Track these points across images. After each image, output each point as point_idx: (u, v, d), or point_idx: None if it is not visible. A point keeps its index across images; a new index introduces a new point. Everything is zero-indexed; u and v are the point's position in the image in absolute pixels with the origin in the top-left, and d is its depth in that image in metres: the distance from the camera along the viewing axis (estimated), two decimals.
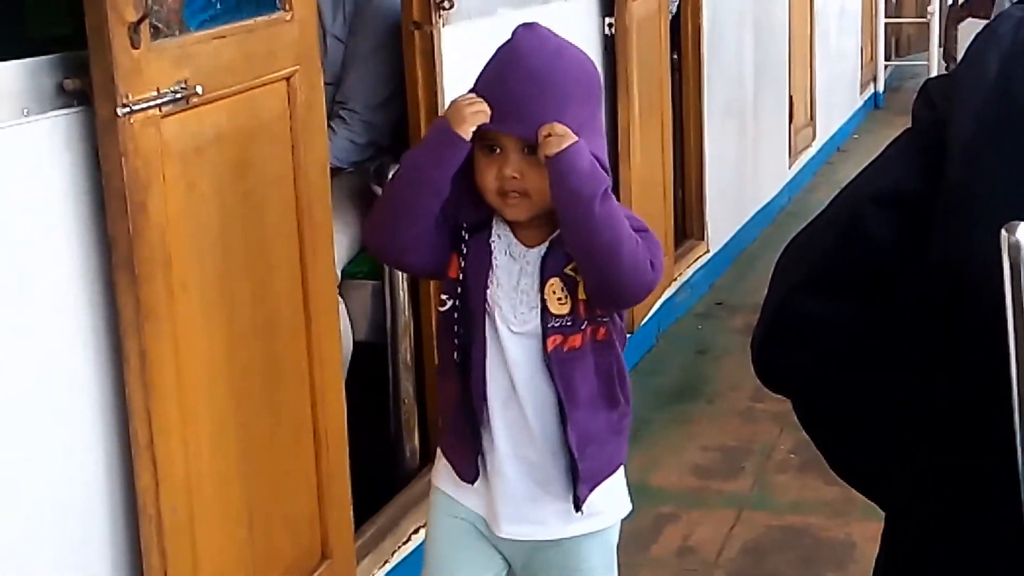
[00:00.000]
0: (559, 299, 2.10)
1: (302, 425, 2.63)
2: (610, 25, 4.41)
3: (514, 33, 2.08)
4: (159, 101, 2.12)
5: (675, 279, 5.18)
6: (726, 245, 6.04)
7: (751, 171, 6.55)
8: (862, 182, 2.12)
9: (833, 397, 2.09)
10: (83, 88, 2.06)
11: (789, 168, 7.36)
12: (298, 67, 2.55)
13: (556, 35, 2.11)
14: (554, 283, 2.10)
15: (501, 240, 2.14)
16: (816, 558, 3.37)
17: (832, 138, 8.61)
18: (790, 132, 7.29)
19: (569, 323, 2.10)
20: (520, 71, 2.05)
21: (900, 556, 2.29)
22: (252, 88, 2.42)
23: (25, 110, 1.98)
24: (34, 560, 2.03)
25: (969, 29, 8.42)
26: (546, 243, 2.12)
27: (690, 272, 5.46)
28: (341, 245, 3.08)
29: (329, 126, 2.97)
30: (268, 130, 2.48)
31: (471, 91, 2.08)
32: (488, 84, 2.08)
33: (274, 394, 2.52)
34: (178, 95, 2.16)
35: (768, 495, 3.78)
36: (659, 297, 4.91)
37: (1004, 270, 1.86)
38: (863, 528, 3.45)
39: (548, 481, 2.18)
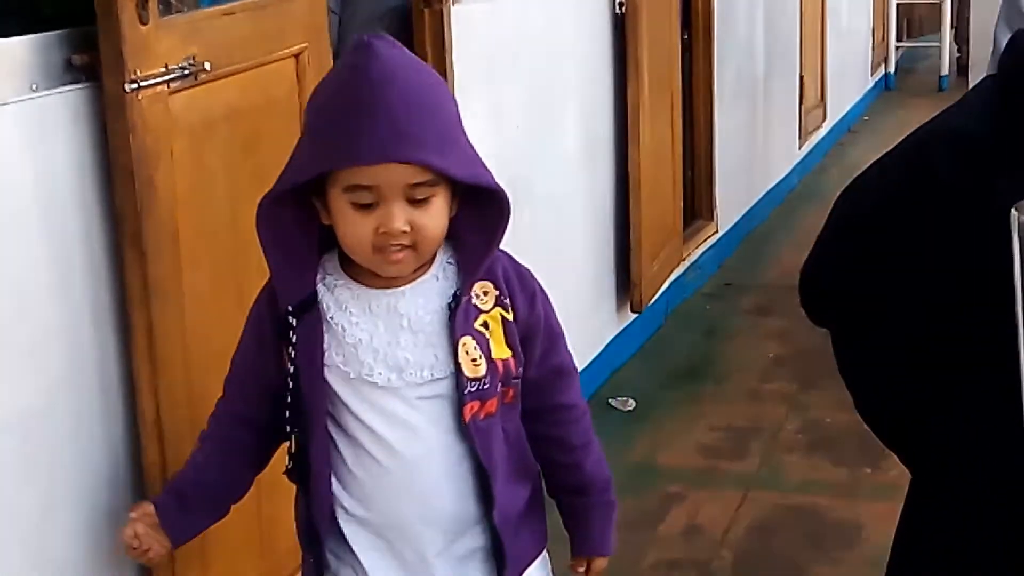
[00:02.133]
0: (473, 360, 1.80)
1: None
2: (620, 4, 4.40)
3: (367, 46, 1.69)
4: (167, 77, 2.12)
5: (683, 259, 5.17)
6: (735, 225, 6.03)
7: (761, 151, 6.53)
8: (934, 124, 2.14)
9: (872, 329, 2.11)
10: (91, 63, 2.06)
11: (799, 149, 7.33)
12: (307, 44, 2.54)
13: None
14: (466, 342, 1.80)
15: (340, 288, 1.81)
16: (823, 538, 3.36)
17: (843, 119, 8.58)
18: (800, 113, 7.26)
19: (487, 386, 1.81)
20: (395, 88, 1.67)
21: (920, 514, 2.31)
22: (261, 65, 2.41)
23: (34, 85, 1.98)
24: (44, 534, 2.04)
25: (982, 10, 8.37)
26: (419, 280, 1.81)
27: (699, 252, 5.45)
28: None
29: None
30: (277, 107, 2.48)
31: (309, 126, 1.75)
32: (345, 111, 1.67)
33: None
34: (186, 71, 2.16)
35: (775, 475, 3.78)
36: (668, 277, 4.91)
37: (1014, 249, 1.87)
38: (871, 509, 3.44)
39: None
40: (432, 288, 1.81)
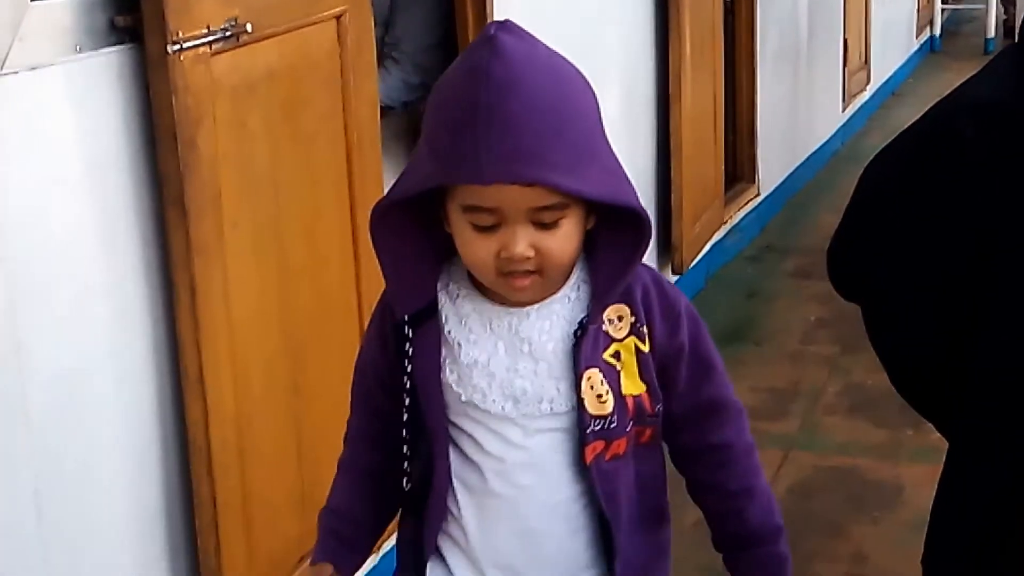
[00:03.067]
0: (599, 396, 1.58)
1: (351, 361, 2.64)
2: None
3: (490, 41, 1.45)
4: (209, 38, 2.13)
5: (725, 222, 5.16)
6: (777, 189, 6.00)
7: (804, 115, 6.48)
8: (959, 92, 2.13)
9: (900, 300, 2.11)
10: (134, 25, 2.08)
11: (842, 112, 7.28)
12: (348, 6, 2.55)
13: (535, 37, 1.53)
14: (592, 376, 1.58)
15: (462, 300, 1.62)
16: (863, 499, 3.36)
17: (887, 82, 8.51)
18: (844, 76, 7.21)
19: (613, 424, 1.59)
20: (518, 93, 1.43)
21: (958, 478, 2.31)
22: (302, 26, 2.42)
23: (78, 46, 2.00)
24: (88, 490, 2.07)
25: None
26: (547, 301, 1.59)
27: (740, 215, 5.43)
28: (390, 183, 3.09)
29: (381, 66, 2.97)
30: (318, 68, 2.49)
31: (426, 130, 1.51)
32: (462, 120, 1.44)
33: (323, 330, 2.54)
34: (228, 32, 2.18)
35: (816, 436, 3.77)
36: (709, 239, 4.90)
37: None
38: (911, 471, 3.44)
39: None
40: (560, 311, 1.59)
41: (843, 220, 2.25)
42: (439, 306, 1.61)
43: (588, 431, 1.58)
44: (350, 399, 1.73)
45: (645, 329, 1.59)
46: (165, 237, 2.14)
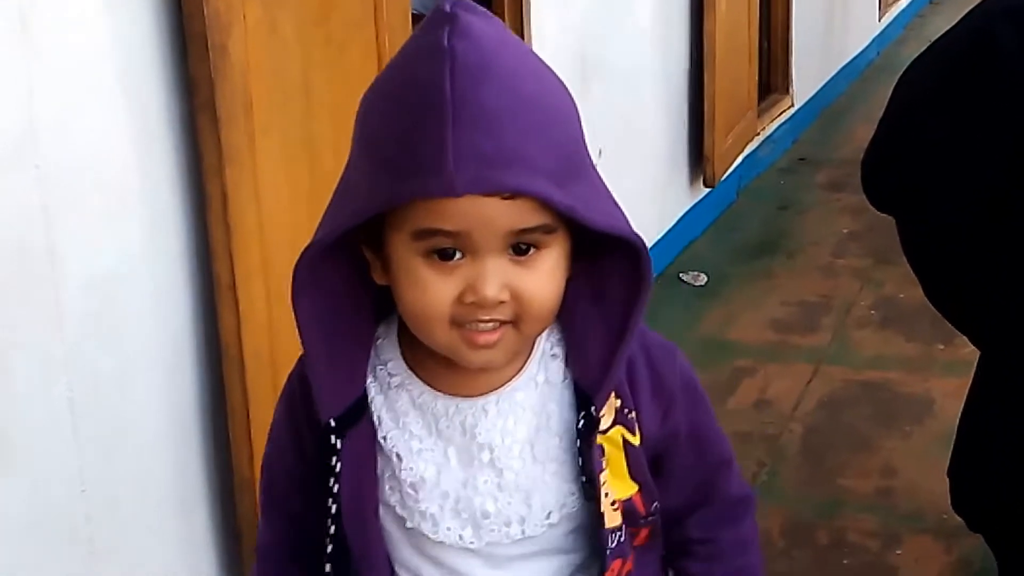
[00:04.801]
0: (612, 504, 1.25)
1: None
2: None
3: (451, 19, 1.09)
4: None
5: (758, 134, 5.11)
6: (811, 99, 5.94)
7: (839, 24, 6.40)
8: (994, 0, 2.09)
9: (937, 211, 2.10)
10: None
11: (878, 21, 7.18)
12: None
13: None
14: (606, 480, 1.24)
15: (396, 390, 1.24)
16: (893, 413, 3.36)
17: None
18: None
19: (623, 538, 1.27)
20: (493, 81, 1.08)
21: (988, 390, 2.31)
22: None
23: None
24: (122, 397, 2.08)
25: None
26: (508, 387, 1.23)
27: (773, 127, 5.38)
28: None
29: None
30: None
31: (362, 139, 1.14)
32: (418, 115, 1.08)
33: None
34: None
35: (847, 350, 3.76)
36: (741, 151, 4.86)
37: None
38: (942, 385, 3.43)
39: None
40: (526, 402, 1.23)
41: (878, 131, 2.22)
42: (369, 400, 1.23)
43: (608, 551, 1.25)
44: (259, 500, 1.37)
45: (634, 415, 1.25)
46: (196, 144, 2.13)
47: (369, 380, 1.24)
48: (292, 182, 2.31)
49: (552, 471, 1.23)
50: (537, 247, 1.14)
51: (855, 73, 6.63)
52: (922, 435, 3.23)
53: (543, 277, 1.15)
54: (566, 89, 1.16)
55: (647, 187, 4.19)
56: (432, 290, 1.13)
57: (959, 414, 2.56)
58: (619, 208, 1.17)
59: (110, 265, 2.04)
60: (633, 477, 1.26)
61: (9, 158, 1.85)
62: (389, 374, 1.24)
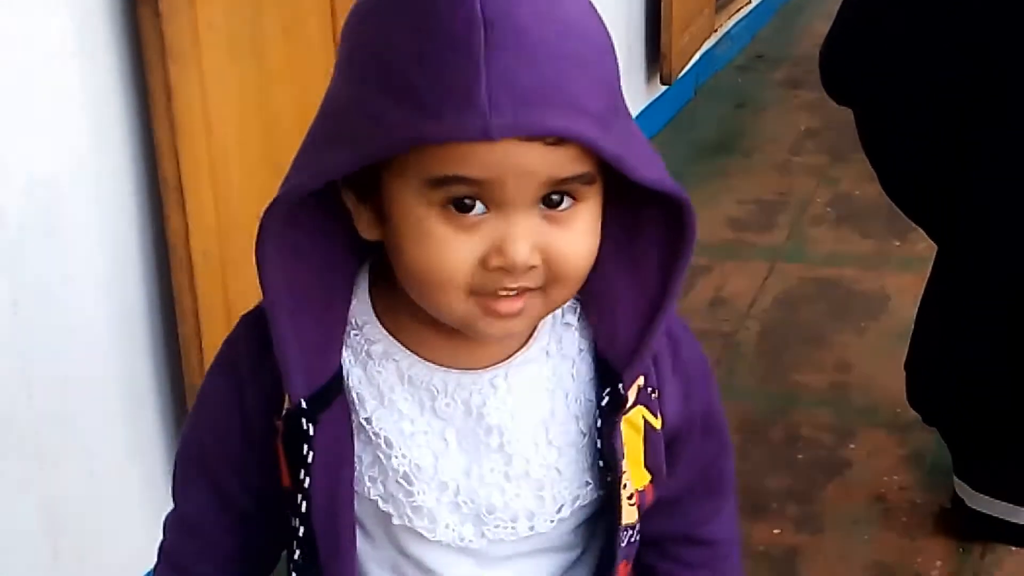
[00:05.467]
0: (630, 498, 1.10)
1: None
2: None
3: None
4: None
5: (715, 31, 5.06)
6: None
7: None
8: None
9: (895, 100, 2.08)
10: None
11: None
12: None
13: None
14: (627, 470, 1.09)
15: (379, 362, 1.05)
16: (849, 309, 3.37)
17: None
18: None
19: (635, 538, 1.13)
20: (529, 5, 0.90)
21: (945, 285, 2.32)
22: None
23: None
24: (71, 299, 2.05)
25: None
26: (519, 357, 1.06)
27: (731, 23, 5.33)
28: None
29: None
30: None
31: (356, 61, 0.95)
32: (434, 38, 0.89)
33: (303, 137, 2.49)
34: None
35: (803, 248, 3.76)
36: (698, 48, 4.81)
37: None
38: (897, 281, 3.44)
39: None
40: (538, 376, 1.06)
41: (836, 21, 2.20)
42: (344, 374, 1.04)
43: (618, 549, 1.10)
44: (173, 488, 1.16)
45: (656, 395, 1.10)
46: (138, 39, 2.08)
47: (345, 352, 1.04)
48: (239, 78, 2.26)
49: (569, 458, 1.06)
50: (574, 199, 0.96)
51: None
52: (877, 331, 3.24)
53: (579, 236, 0.97)
54: (597, 13, 0.97)
55: None
56: (449, 251, 0.94)
57: (914, 310, 2.56)
58: (658, 156, 1.01)
59: (52, 165, 1.99)
60: (647, 465, 1.11)
61: None
62: (367, 340, 1.04)
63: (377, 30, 0.93)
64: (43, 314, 1.99)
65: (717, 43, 5.17)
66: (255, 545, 1.14)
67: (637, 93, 4.48)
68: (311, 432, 1.02)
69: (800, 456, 2.79)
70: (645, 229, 1.03)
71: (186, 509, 1.15)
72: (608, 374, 1.05)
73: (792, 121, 4.68)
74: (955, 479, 2.45)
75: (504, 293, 0.96)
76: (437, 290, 0.96)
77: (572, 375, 1.06)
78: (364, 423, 1.04)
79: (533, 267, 0.95)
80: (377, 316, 1.05)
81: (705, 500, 1.20)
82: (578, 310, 1.08)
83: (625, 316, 1.05)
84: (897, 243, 3.66)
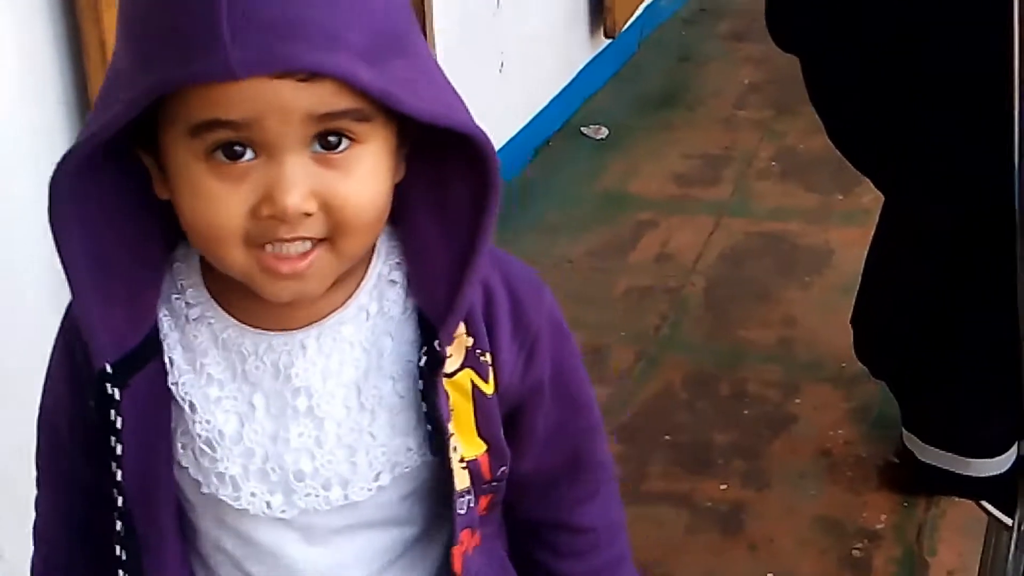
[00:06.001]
0: (460, 462, 1.04)
1: None
2: None
3: None
4: None
5: None
6: None
7: None
8: None
9: (841, 45, 2.06)
10: None
11: None
12: None
13: None
14: (454, 430, 1.03)
15: (195, 325, 1.02)
16: (794, 264, 3.37)
17: None
18: None
19: (472, 503, 1.06)
20: None
21: (891, 237, 2.31)
22: None
23: None
24: (3, 252, 2.00)
25: None
26: (335, 316, 1.02)
27: None
28: None
29: None
30: None
31: (125, 20, 0.93)
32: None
33: None
34: None
35: (747, 202, 3.75)
36: (641, 2, 4.78)
37: None
38: (841, 235, 3.44)
39: None
40: (355, 336, 1.02)
41: None
42: (161, 337, 1.01)
43: (457, 517, 1.04)
44: (36, 467, 1.14)
45: (488, 358, 1.04)
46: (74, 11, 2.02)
47: (162, 313, 1.01)
48: None
49: (383, 421, 1.02)
50: (351, 139, 0.92)
51: None
52: (822, 286, 3.25)
53: (360, 179, 0.93)
54: None
55: (547, 38, 4.11)
56: (218, 202, 0.91)
57: (859, 264, 2.56)
58: (458, 97, 0.96)
59: None
60: (481, 434, 1.05)
61: None
62: (187, 304, 1.01)
63: None
64: None
65: None
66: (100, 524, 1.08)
67: (581, 47, 4.45)
68: (117, 396, 0.99)
69: (746, 412, 2.79)
70: (454, 176, 0.99)
71: (41, 519, 1.15)
72: (429, 332, 1.01)
73: (736, 75, 4.66)
74: (904, 432, 2.46)
75: (285, 247, 0.92)
76: (214, 245, 0.93)
77: (391, 334, 1.02)
78: (172, 387, 1.01)
79: (309, 214, 0.92)
80: (204, 279, 1.02)
81: (574, 484, 1.15)
82: (405, 268, 1.03)
83: (439, 271, 1.00)
84: (841, 197, 3.66)
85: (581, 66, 4.43)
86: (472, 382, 1.04)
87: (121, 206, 0.98)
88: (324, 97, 0.89)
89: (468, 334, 1.03)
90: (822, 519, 2.46)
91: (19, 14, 1.98)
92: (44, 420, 1.11)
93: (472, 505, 1.05)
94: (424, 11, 3.14)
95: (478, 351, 1.04)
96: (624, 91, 4.58)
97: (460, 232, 0.99)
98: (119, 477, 1.01)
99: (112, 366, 0.98)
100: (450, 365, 1.02)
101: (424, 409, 1.01)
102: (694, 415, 2.78)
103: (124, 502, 1.02)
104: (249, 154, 0.90)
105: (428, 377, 1.00)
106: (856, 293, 2.52)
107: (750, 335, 3.07)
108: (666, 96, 4.54)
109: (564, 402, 1.11)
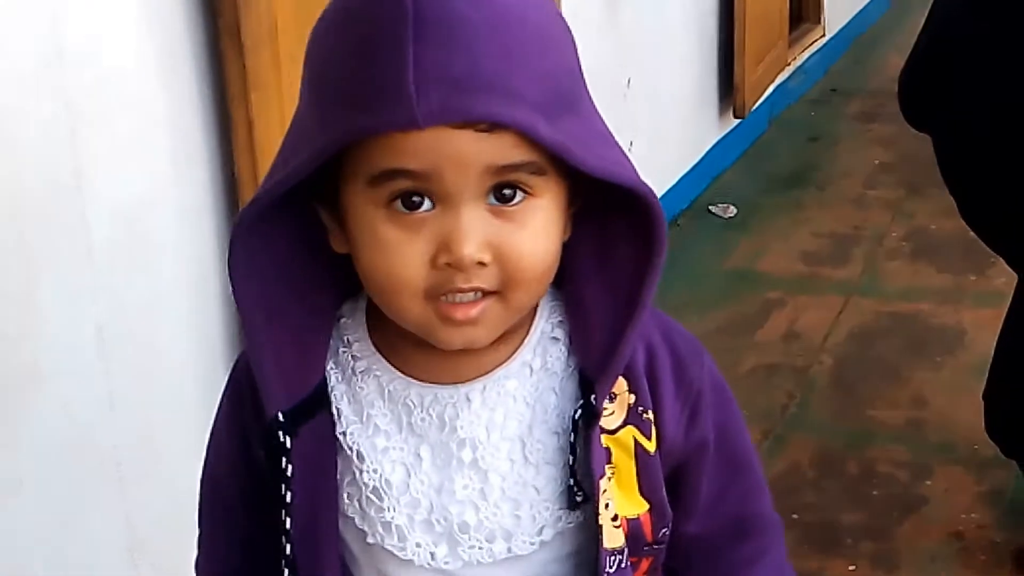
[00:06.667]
0: (614, 519, 1.04)
1: None
2: None
3: None
4: None
5: (789, 64, 5.05)
6: (843, 29, 5.86)
7: None
8: None
9: (976, 123, 2.07)
10: None
11: None
12: None
13: None
14: (607, 489, 1.03)
15: (363, 377, 1.04)
16: (924, 344, 3.34)
17: None
18: None
19: (624, 564, 1.05)
20: (455, 4, 0.90)
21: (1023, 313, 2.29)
22: None
23: None
24: (153, 322, 2.08)
25: None
26: (499, 371, 1.03)
27: (804, 56, 5.31)
28: None
29: None
30: None
31: (309, 79, 0.96)
32: (369, 39, 0.90)
33: None
34: None
35: (877, 282, 3.73)
36: (772, 81, 4.80)
37: None
38: (974, 316, 3.40)
39: None
40: (519, 391, 1.03)
41: (917, 43, 2.19)
42: (329, 389, 1.04)
43: (604, 573, 1.03)
44: (199, 524, 1.16)
45: (651, 416, 1.04)
46: (222, 70, 2.11)
47: (329, 366, 1.04)
48: None
49: (547, 475, 1.02)
50: (525, 193, 0.94)
51: (887, 3, 6.54)
52: (953, 366, 3.21)
53: (533, 232, 0.95)
54: (558, 12, 0.98)
55: (676, 117, 4.15)
56: (398, 251, 0.93)
57: (991, 345, 2.54)
58: (624, 155, 0.98)
59: (137, 192, 2.03)
60: (643, 493, 1.05)
61: (35, 83, 1.83)
62: (353, 357, 1.04)
63: (322, 44, 0.95)
64: (127, 337, 2.02)
65: (791, 76, 5.16)
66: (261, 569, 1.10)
67: (710, 126, 4.48)
68: (288, 444, 1.01)
69: (875, 492, 2.76)
70: (618, 235, 1.00)
71: (201, 561, 1.17)
72: (587, 389, 1.01)
73: (866, 154, 4.65)
74: None
75: (459, 296, 0.94)
76: (393, 295, 0.96)
77: (555, 390, 1.03)
78: (340, 437, 1.03)
79: (484, 264, 0.93)
80: (370, 333, 1.05)
81: (741, 545, 1.13)
82: (567, 326, 1.04)
83: (599, 325, 1.01)
84: (973, 277, 3.62)
85: (710, 145, 4.47)
86: (635, 439, 1.04)
87: (295, 260, 1.01)
88: (502, 149, 0.91)
89: (630, 391, 1.03)
90: None
91: (172, 96, 2.07)
92: (207, 475, 1.14)
93: (624, 566, 1.04)
94: None
95: (640, 408, 1.04)
96: (753, 170, 4.60)
97: (622, 290, 1.00)
98: (287, 525, 1.03)
99: (283, 414, 1.01)
100: (612, 422, 1.02)
101: (570, 462, 1.01)
102: (822, 494, 2.76)
103: (292, 550, 1.03)
104: (427, 204, 0.93)
105: (582, 431, 1.00)
106: (988, 370, 2.49)
107: (879, 415, 3.05)
108: (795, 175, 4.55)
109: (728, 463, 1.11)
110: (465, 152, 0.90)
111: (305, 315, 1.02)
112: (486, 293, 0.95)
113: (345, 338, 1.05)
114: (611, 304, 1.00)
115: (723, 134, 4.56)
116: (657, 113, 3.92)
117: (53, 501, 1.92)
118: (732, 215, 4.23)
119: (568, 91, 0.95)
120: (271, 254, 1.00)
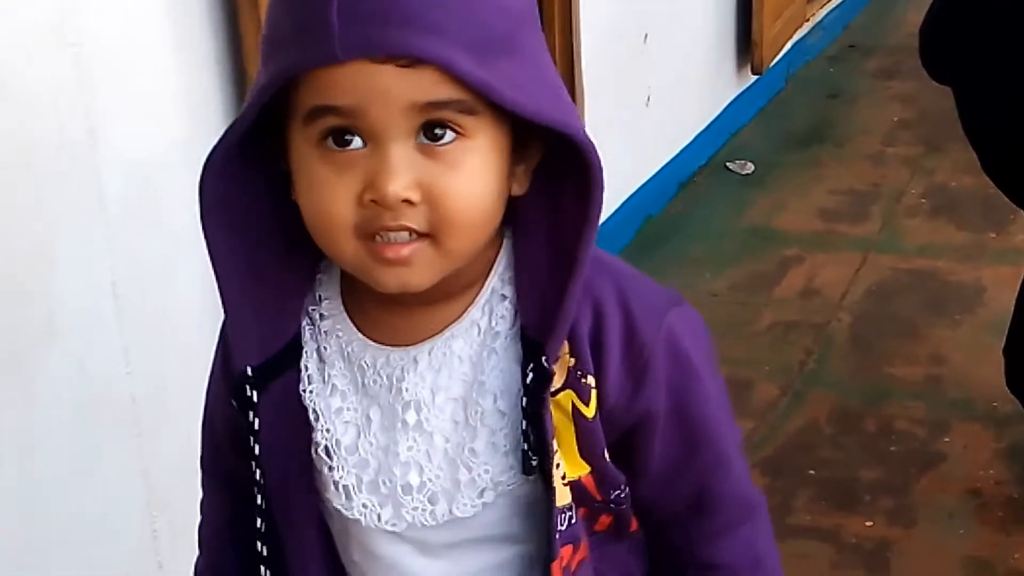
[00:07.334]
0: (563, 479, 1.03)
1: None
2: None
3: None
4: None
5: (807, 20, 5.01)
6: None
7: None
8: None
9: (998, 74, 2.05)
10: None
11: None
12: None
13: None
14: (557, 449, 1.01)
15: (327, 335, 1.06)
16: (943, 301, 3.32)
17: None
18: None
19: (574, 519, 1.05)
20: None
21: None
22: None
23: None
24: (168, 280, 2.08)
25: None
26: (450, 330, 1.02)
27: (823, 13, 5.27)
28: None
29: None
30: None
31: (267, 32, 0.96)
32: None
33: None
34: None
35: (896, 239, 3.71)
36: (790, 38, 4.77)
37: None
38: (993, 273, 3.38)
39: None
40: (464, 351, 1.02)
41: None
42: (303, 344, 1.05)
43: (556, 534, 1.02)
44: (200, 465, 1.20)
45: (591, 380, 1.01)
46: (237, 26, 2.10)
47: (304, 323, 1.05)
48: None
49: (484, 438, 1.01)
50: (456, 133, 0.93)
51: None
52: (972, 323, 3.20)
53: (466, 175, 0.93)
54: None
55: (694, 74, 4.13)
56: (328, 188, 0.93)
57: (1011, 302, 2.52)
58: (570, 105, 0.95)
59: (151, 150, 2.02)
60: (583, 455, 1.02)
61: (49, 42, 1.83)
62: (321, 315, 1.05)
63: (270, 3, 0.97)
64: (141, 295, 2.02)
65: (809, 32, 5.12)
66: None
67: (727, 82, 4.45)
68: (255, 398, 1.03)
69: (893, 449, 2.76)
70: (565, 191, 0.97)
71: (202, 518, 1.20)
72: (532, 349, 0.99)
73: (885, 112, 4.62)
74: None
75: (392, 235, 0.93)
76: (325, 233, 0.96)
77: (496, 350, 1.01)
78: (302, 394, 1.05)
79: (412, 203, 0.92)
80: (342, 293, 1.05)
81: (703, 520, 1.09)
82: (514, 280, 1.02)
83: (541, 284, 0.99)
84: (993, 235, 3.60)
85: (727, 102, 4.44)
86: (573, 403, 1.01)
87: (273, 217, 1.01)
88: (425, 85, 0.90)
89: (570, 354, 1.00)
90: (971, 559, 2.43)
91: (187, 50, 2.06)
92: (205, 420, 1.16)
93: (575, 522, 1.03)
94: (572, 45, 3.19)
95: (579, 372, 1.01)
96: (770, 127, 4.58)
97: (564, 248, 0.97)
98: (258, 476, 1.05)
99: (253, 370, 1.02)
100: (552, 385, 1.00)
101: (523, 427, 0.99)
102: (840, 451, 2.76)
103: (263, 500, 1.06)
104: (357, 142, 0.93)
105: (534, 395, 0.98)
106: (1008, 327, 2.48)
107: (897, 372, 3.04)
108: (813, 132, 4.52)
109: (687, 435, 1.06)
110: (388, 87, 0.90)
111: (283, 272, 1.03)
112: (420, 235, 0.94)
113: (318, 295, 1.06)
114: (553, 263, 0.98)
115: (741, 91, 4.54)
116: (674, 69, 3.90)
117: (70, 458, 1.92)
118: (750, 172, 4.21)
119: (504, 32, 0.93)
120: (246, 212, 1.00)
